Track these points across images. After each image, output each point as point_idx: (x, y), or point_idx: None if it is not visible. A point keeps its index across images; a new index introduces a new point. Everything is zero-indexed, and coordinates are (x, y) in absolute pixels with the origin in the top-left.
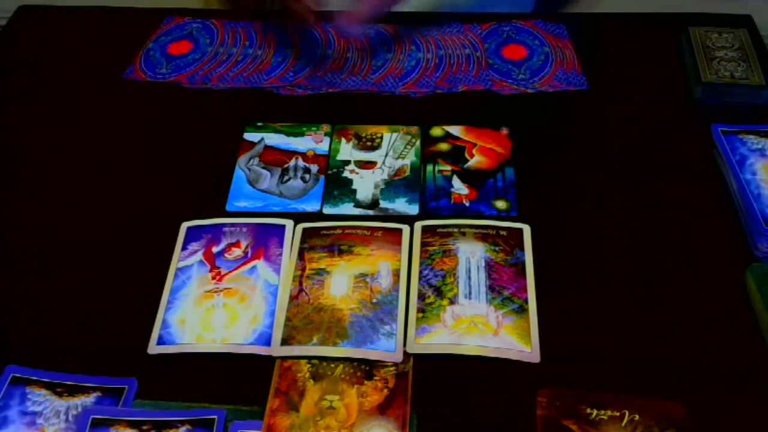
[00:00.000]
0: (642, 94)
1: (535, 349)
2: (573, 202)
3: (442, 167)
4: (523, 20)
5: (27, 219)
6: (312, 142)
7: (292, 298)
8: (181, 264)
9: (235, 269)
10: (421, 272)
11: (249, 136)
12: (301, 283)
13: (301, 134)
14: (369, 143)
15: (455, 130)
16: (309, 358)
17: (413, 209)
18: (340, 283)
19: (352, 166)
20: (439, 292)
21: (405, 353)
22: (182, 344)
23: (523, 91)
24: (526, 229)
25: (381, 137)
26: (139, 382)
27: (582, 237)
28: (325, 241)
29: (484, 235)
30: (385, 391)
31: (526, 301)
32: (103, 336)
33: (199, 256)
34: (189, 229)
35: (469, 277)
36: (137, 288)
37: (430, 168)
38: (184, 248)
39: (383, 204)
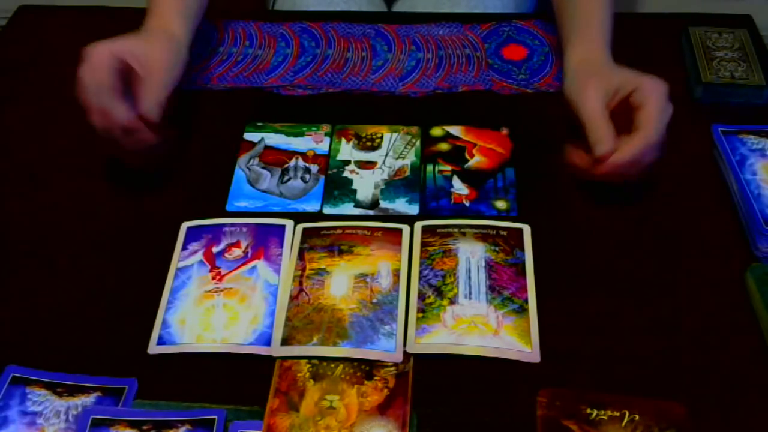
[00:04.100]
0: None
1: (535, 349)
2: (573, 202)
3: (442, 167)
4: (523, 20)
5: (27, 219)
6: (312, 142)
7: (292, 298)
8: (181, 264)
9: (235, 269)
10: (421, 272)
11: (249, 136)
12: (301, 283)
13: (301, 134)
14: (369, 143)
15: (455, 130)
16: (309, 358)
17: (413, 209)
18: (340, 283)
19: (352, 166)
20: (439, 292)
21: (405, 353)
22: (182, 344)
23: (523, 91)
24: (526, 229)
25: (381, 137)
26: (139, 382)
27: (582, 237)
28: (325, 241)
29: (484, 235)
30: (385, 391)
31: (526, 301)
32: (103, 336)
33: (199, 256)
34: (189, 229)
35: (469, 277)
36: (137, 288)
37: (430, 168)
38: (184, 248)
39: (383, 204)
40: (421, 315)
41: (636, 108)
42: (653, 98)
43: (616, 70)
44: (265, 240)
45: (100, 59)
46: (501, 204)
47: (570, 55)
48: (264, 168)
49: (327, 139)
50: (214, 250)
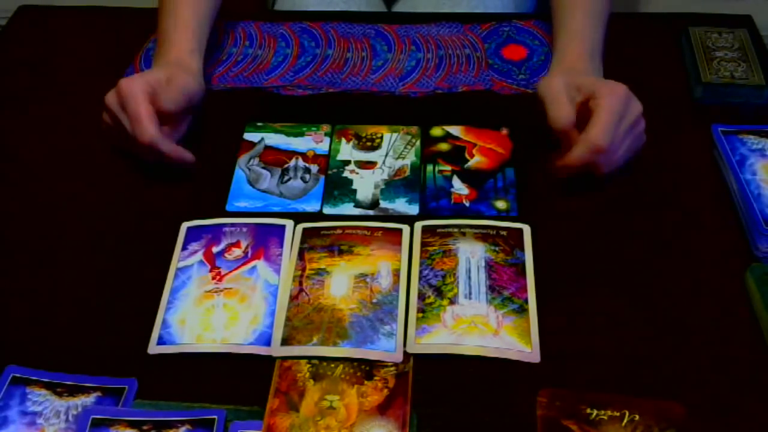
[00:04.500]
0: (642, 94)
1: (535, 349)
2: (573, 202)
3: (442, 167)
4: (523, 20)
5: (27, 219)
6: (312, 142)
7: (292, 298)
8: (181, 264)
9: (235, 269)
10: (421, 272)
11: (249, 136)
12: (301, 283)
13: (301, 134)
14: (369, 143)
15: (455, 130)
16: (309, 358)
17: (413, 209)
18: (340, 283)
19: (352, 166)
20: (439, 292)
21: (405, 353)
22: (182, 344)
23: (523, 91)
24: (526, 229)
25: (381, 137)
26: (139, 382)
27: (582, 237)
28: (325, 241)
29: (484, 235)
30: (385, 391)
31: (526, 301)
32: (103, 336)
33: (199, 256)
34: (189, 229)
35: (469, 277)
36: (137, 288)
37: (430, 168)
38: (184, 248)
39: (383, 204)
40: (421, 315)
41: (590, 114)
42: (603, 103)
43: (586, 75)
44: (265, 240)
45: (136, 88)
46: (501, 204)
47: (551, 69)
48: (264, 168)
49: (327, 139)
50: (214, 250)
